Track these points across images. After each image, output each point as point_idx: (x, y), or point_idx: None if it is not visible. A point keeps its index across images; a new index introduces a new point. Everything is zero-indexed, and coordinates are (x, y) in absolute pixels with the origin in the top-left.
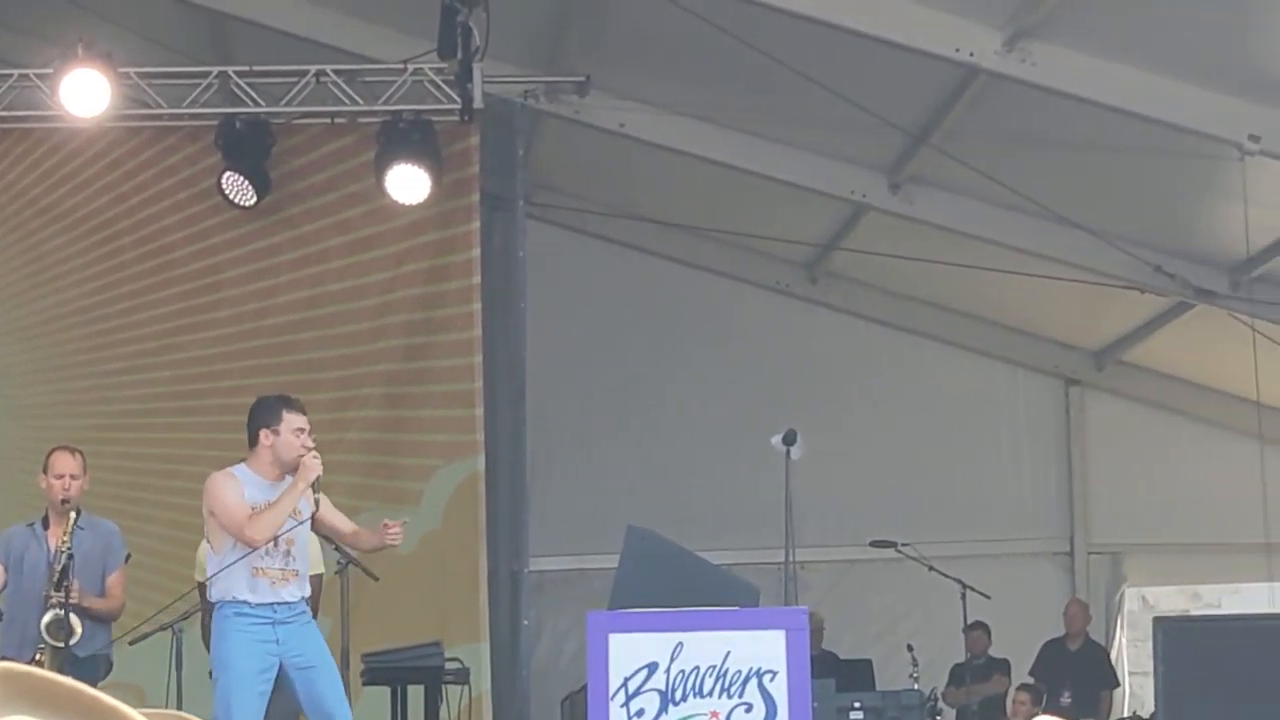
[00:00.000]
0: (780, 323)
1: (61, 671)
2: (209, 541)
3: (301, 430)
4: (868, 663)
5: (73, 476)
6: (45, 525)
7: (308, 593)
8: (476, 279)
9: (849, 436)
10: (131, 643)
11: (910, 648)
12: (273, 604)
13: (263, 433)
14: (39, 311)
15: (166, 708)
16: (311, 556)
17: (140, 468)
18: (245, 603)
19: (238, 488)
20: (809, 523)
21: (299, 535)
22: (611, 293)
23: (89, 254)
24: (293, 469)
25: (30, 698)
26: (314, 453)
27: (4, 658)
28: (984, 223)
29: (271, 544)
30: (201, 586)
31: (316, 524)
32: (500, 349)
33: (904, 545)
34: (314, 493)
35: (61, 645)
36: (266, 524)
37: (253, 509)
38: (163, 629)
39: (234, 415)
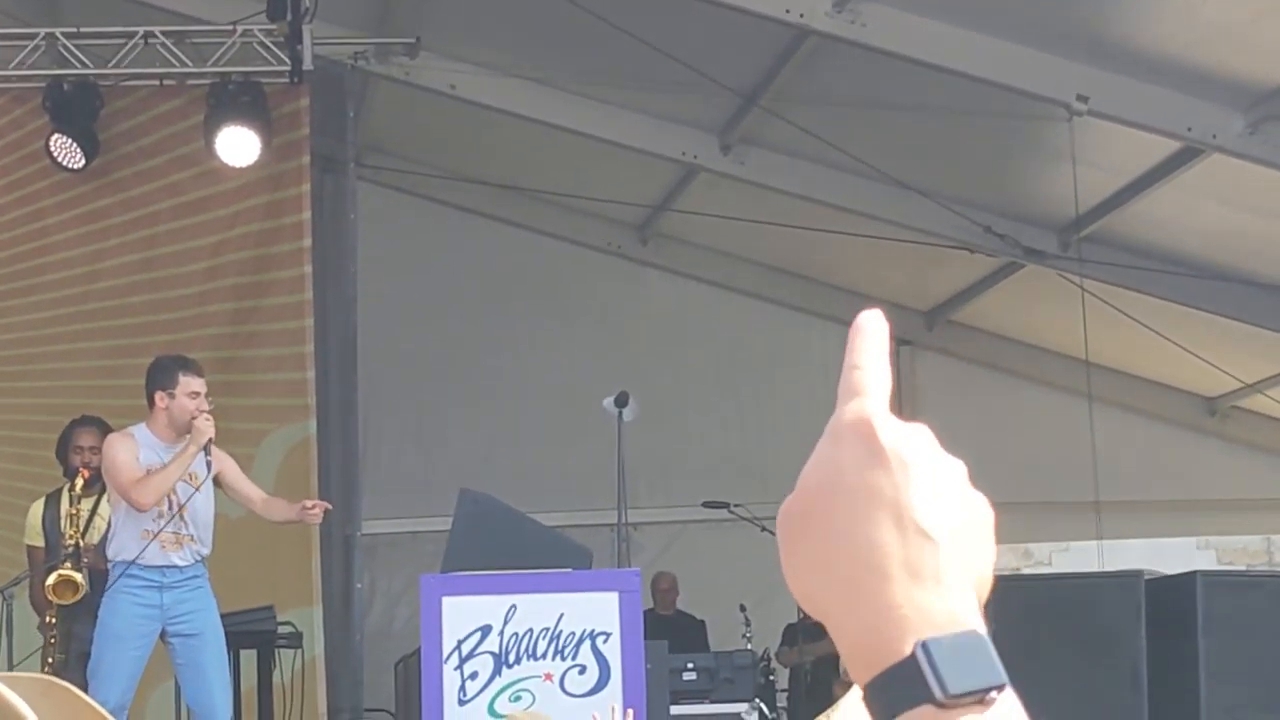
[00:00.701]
0: (612, 284)
1: None
2: (109, 500)
3: (197, 393)
4: (701, 624)
5: None
6: None
7: (205, 554)
8: (308, 242)
9: (681, 397)
10: None
11: (743, 608)
12: (162, 567)
13: (158, 395)
14: None
15: None
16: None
17: None
18: (133, 564)
19: (132, 448)
20: (641, 484)
21: (196, 500)
22: (444, 255)
23: None
24: (188, 431)
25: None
26: (207, 415)
27: None
28: (815, 184)
29: (165, 507)
30: (30, 550)
31: (225, 489)
32: (332, 312)
33: (736, 506)
34: (206, 455)
35: None
36: (153, 488)
37: (147, 471)
38: None
39: (64, 380)
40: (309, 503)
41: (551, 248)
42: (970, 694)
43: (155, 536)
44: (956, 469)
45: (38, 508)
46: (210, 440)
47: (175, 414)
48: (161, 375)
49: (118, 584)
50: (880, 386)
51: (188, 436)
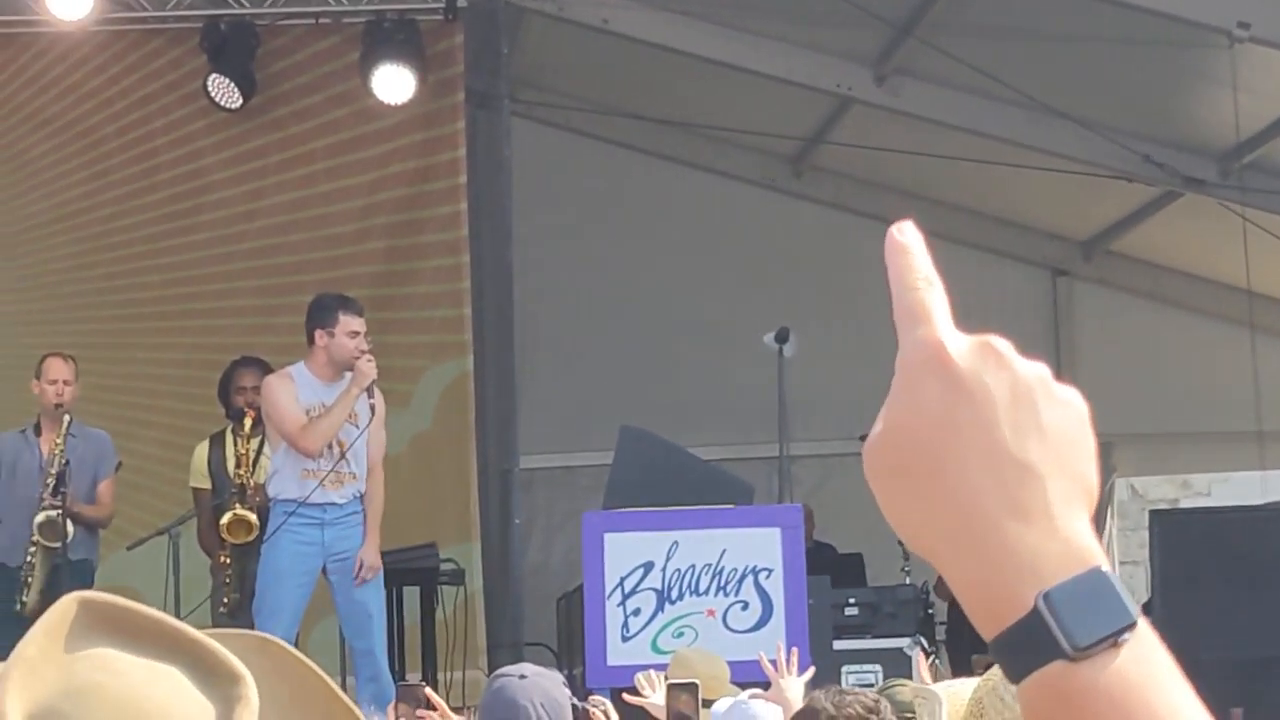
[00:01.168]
0: (766, 217)
1: (52, 572)
2: (269, 441)
3: (356, 332)
4: (858, 556)
5: (65, 382)
6: (37, 432)
7: (362, 491)
8: (462, 179)
9: (836, 329)
10: (129, 548)
11: (900, 541)
12: (322, 505)
13: (318, 333)
14: (24, 219)
15: (164, 610)
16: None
17: (130, 372)
18: (294, 502)
19: (291, 390)
20: (797, 416)
21: (357, 439)
22: (598, 190)
23: (74, 160)
24: (348, 369)
25: (110, 627)
26: (369, 357)
27: None
28: (971, 114)
29: (334, 439)
30: (196, 491)
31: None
32: (486, 248)
33: None
34: (369, 397)
35: (54, 545)
36: (320, 434)
37: (307, 411)
38: (159, 534)
39: (223, 319)
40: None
41: (705, 181)
42: (1101, 641)
43: (317, 476)
44: (1040, 376)
45: (202, 449)
46: (372, 382)
47: (335, 352)
48: (322, 313)
49: (281, 522)
50: (941, 307)
51: (347, 375)
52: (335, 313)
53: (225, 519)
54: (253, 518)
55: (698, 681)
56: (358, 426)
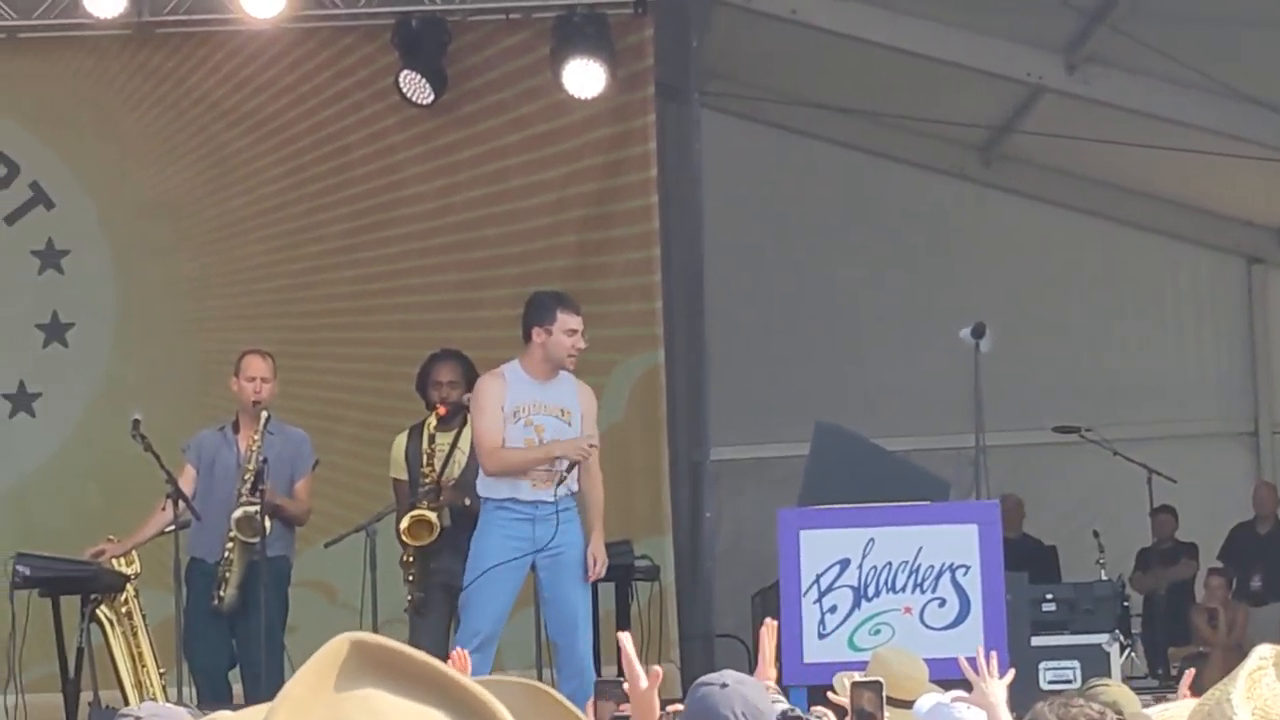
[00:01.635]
0: (955, 206)
1: (249, 568)
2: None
3: (574, 330)
4: (1053, 549)
5: (263, 379)
6: (235, 429)
7: (574, 489)
8: (653, 172)
9: (1027, 320)
10: (326, 545)
11: (1096, 534)
12: (534, 502)
13: (535, 330)
14: (220, 215)
15: (360, 604)
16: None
17: (327, 368)
18: (506, 500)
19: (499, 393)
20: (990, 407)
21: (564, 434)
22: (787, 180)
23: (269, 156)
24: (561, 367)
25: (381, 670)
26: (593, 444)
27: (194, 558)
28: (1162, 102)
29: (536, 444)
30: (396, 483)
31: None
32: (676, 241)
33: (1087, 430)
34: (565, 471)
35: (252, 541)
36: (506, 465)
37: (515, 411)
38: (356, 531)
39: (417, 314)
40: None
41: (894, 170)
42: None
43: (528, 477)
44: None
45: (401, 440)
46: (573, 464)
47: (552, 350)
48: (540, 311)
49: (490, 517)
50: None
51: (560, 374)
52: (553, 310)
53: (405, 521)
54: (433, 518)
55: (882, 680)
56: (570, 424)
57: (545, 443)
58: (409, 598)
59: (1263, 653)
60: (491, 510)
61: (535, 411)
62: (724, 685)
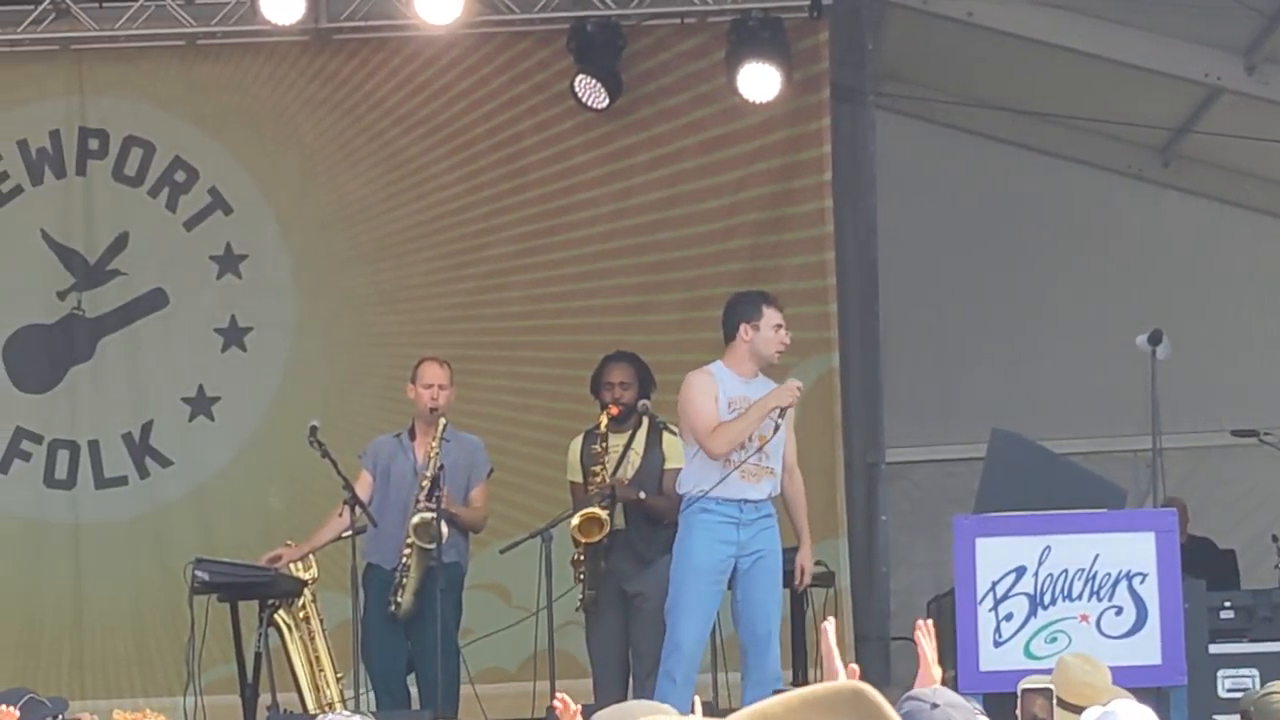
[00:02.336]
0: (1132, 207)
1: (426, 574)
2: (684, 438)
3: (780, 326)
4: (1231, 554)
5: (441, 386)
6: (411, 436)
7: (777, 492)
8: (828, 175)
9: (1205, 321)
10: (502, 551)
11: (1275, 538)
12: (739, 501)
13: (743, 327)
14: (397, 224)
15: (536, 608)
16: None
17: (504, 371)
18: (713, 499)
19: (711, 388)
20: (1166, 409)
21: (776, 435)
22: (962, 182)
23: (446, 160)
24: (766, 364)
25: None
26: (799, 383)
27: (371, 564)
28: None
29: (746, 439)
30: (573, 485)
31: None
32: (851, 244)
33: (1266, 434)
34: (779, 419)
35: (429, 547)
36: (727, 438)
37: (730, 403)
38: (532, 536)
39: (591, 318)
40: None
41: (1070, 172)
42: None
43: (737, 467)
44: None
45: (576, 444)
46: (787, 409)
47: (759, 346)
48: (746, 308)
49: (697, 519)
50: None
51: (760, 376)
52: (759, 306)
53: (576, 519)
54: (604, 515)
55: (1053, 686)
56: (777, 422)
57: (764, 438)
58: (580, 597)
59: None
60: (696, 512)
61: (741, 407)
62: (935, 706)
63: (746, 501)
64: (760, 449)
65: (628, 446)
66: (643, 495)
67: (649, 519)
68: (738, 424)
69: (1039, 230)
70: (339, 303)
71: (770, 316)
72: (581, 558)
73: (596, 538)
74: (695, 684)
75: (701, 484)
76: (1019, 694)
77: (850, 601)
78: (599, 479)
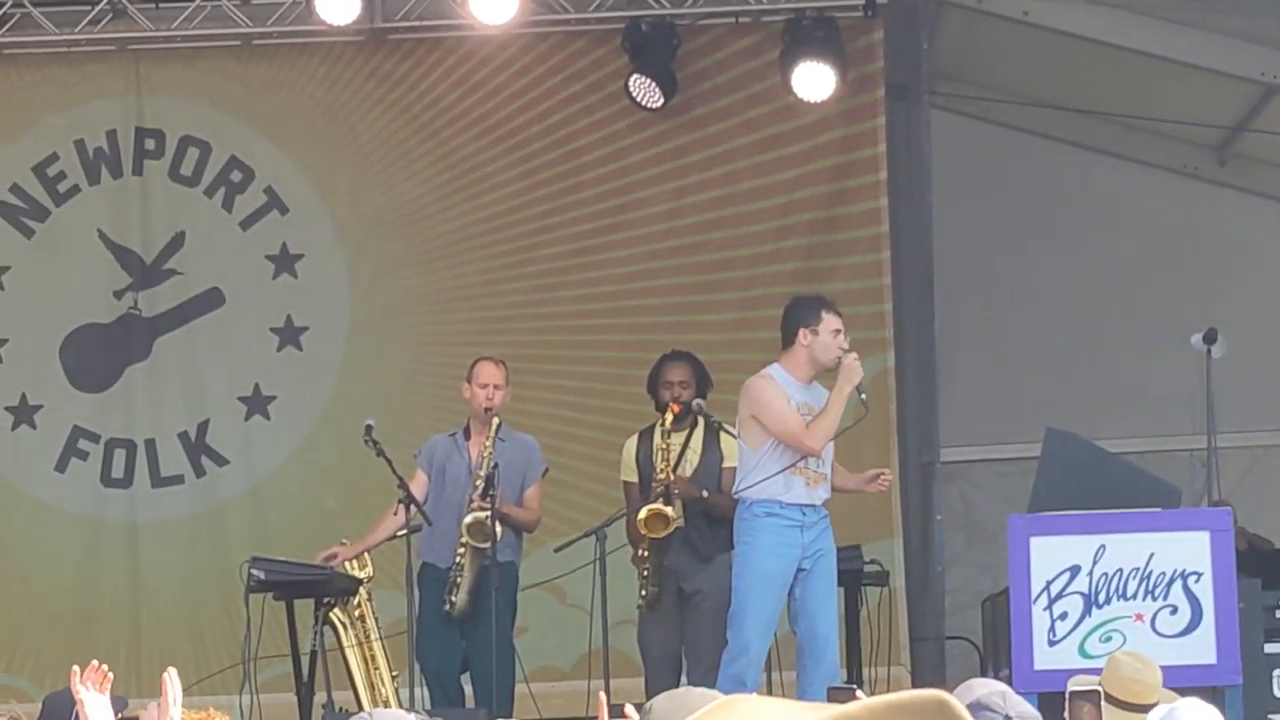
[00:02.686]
0: (1189, 206)
1: (480, 573)
2: (744, 442)
3: (839, 331)
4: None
5: (496, 386)
6: (466, 435)
7: (829, 495)
8: (883, 174)
9: (1262, 320)
10: (556, 550)
11: None
12: (803, 506)
13: (801, 332)
14: (453, 224)
15: (590, 608)
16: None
17: (558, 370)
18: (778, 503)
19: (782, 391)
20: (1221, 408)
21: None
22: (1018, 181)
23: (502, 159)
24: (824, 370)
25: None
26: (855, 355)
27: (426, 563)
28: None
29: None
30: (626, 485)
31: None
32: (906, 243)
33: None
34: (860, 393)
35: (483, 546)
36: (822, 433)
37: (797, 409)
38: (586, 535)
39: (647, 316)
40: (873, 472)
41: (1126, 170)
42: None
43: (802, 473)
44: None
45: (631, 444)
46: (862, 380)
47: (818, 351)
48: (804, 312)
49: (762, 524)
50: None
51: (815, 379)
52: (819, 311)
53: (643, 514)
54: (670, 511)
55: (1100, 689)
56: (864, 400)
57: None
58: (643, 593)
59: None
60: (760, 516)
61: (804, 413)
62: (1008, 718)
63: (810, 506)
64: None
65: (685, 445)
66: (705, 493)
67: (709, 517)
68: (826, 418)
69: (1094, 230)
70: (395, 303)
71: (829, 322)
72: (646, 554)
73: (662, 533)
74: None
75: (766, 491)
76: (1066, 696)
77: (905, 601)
78: (662, 475)
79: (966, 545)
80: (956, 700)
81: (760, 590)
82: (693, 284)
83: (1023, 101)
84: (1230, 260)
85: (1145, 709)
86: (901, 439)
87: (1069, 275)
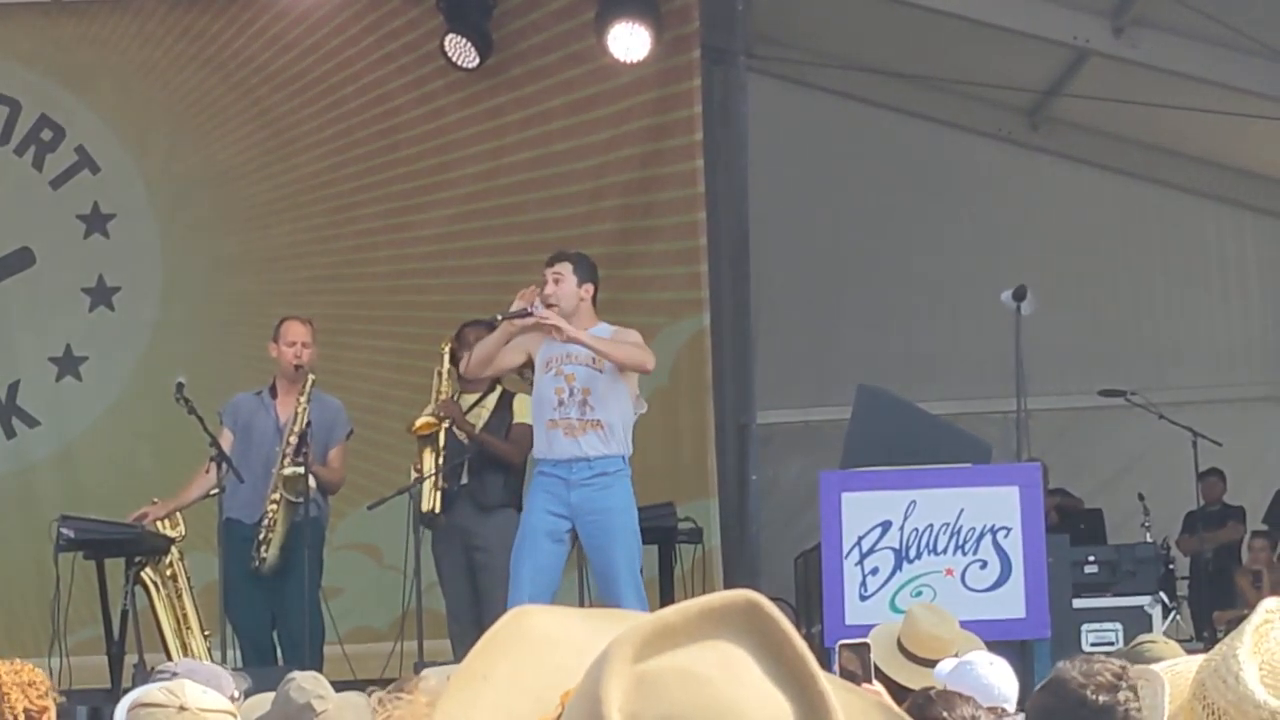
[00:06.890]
0: (1002, 170)
1: (292, 529)
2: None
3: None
4: (1098, 513)
5: (304, 344)
6: (273, 394)
7: (619, 451)
8: (699, 136)
9: (1074, 283)
10: (369, 508)
11: (1141, 497)
12: (569, 460)
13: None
14: (269, 185)
15: (405, 566)
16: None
17: (377, 331)
18: (542, 459)
19: (533, 341)
20: (1035, 371)
21: (596, 382)
22: (834, 144)
23: (318, 119)
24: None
25: (757, 638)
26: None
27: (230, 519)
28: (1210, 65)
29: (566, 394)
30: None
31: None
32: (722, 204)
33: (1132, 394)
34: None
35: (298, 501)
36: (482, 351)
37: (548, 362)
38: (399, 493)
39: (467, 277)
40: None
41: (940, 134)
42: None
43: (557, 424)
44: None
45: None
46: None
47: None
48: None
49: (535, 482)
50: None
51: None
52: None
53: (415, 424)
54: (435, 419)
55: (869, 643)
56: (601, 370)
57: (575, 391)
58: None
59: (1270, 606)
60: (535, 475)
61: (565, 362)
62: None
63: (577, 460)
64: (584, 401)
65: (477, 404)
66: (474, 428)
67: (488, 466)
68: (489, 340)
69: (910, 192)
70: (207, 264)
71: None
72: (420, 466)
73: (432, 430)
74: None
75: (536, 447)
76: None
77: (720, 560)
78: (442, 397)
79: (782, 507)
80: (768, 602)
81: (525, 548)
82: (510, 244)
83: (838, 65)
84: (1044, 223)
85: (933, 664)
86: (718, 400)
87: (885, 238)
